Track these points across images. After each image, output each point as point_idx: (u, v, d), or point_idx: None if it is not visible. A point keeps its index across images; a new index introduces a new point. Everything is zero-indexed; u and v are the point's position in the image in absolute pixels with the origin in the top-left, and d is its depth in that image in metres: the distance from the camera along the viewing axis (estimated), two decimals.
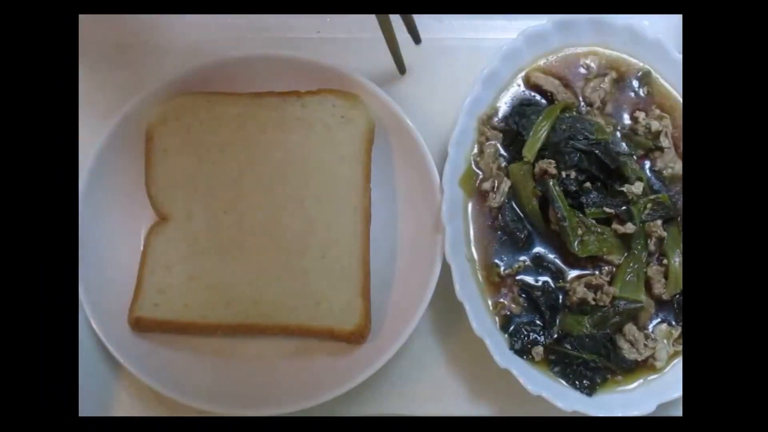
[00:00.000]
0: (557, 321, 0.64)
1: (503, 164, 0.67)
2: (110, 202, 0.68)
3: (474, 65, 0.69)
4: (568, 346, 0.63)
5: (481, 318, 0.63)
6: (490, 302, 0.64)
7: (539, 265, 0.65)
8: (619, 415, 0.60)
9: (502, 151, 0.68)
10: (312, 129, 0.69)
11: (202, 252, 0.66)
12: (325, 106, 0.69)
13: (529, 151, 0.66)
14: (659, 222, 0.65)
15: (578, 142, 0.65)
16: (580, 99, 0.70)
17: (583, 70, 0.71)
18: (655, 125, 0.69)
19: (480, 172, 0.68)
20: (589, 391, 0.62)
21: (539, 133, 0.66)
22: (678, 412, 0.62)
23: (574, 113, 0.69)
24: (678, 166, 0.68)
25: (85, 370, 0.63)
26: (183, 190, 0.68)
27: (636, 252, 0.65)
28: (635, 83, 0.71)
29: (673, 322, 0.65)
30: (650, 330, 0.64)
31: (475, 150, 0.68)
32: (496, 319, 0.64)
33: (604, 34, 0.71)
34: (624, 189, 0.65)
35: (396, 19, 0.69)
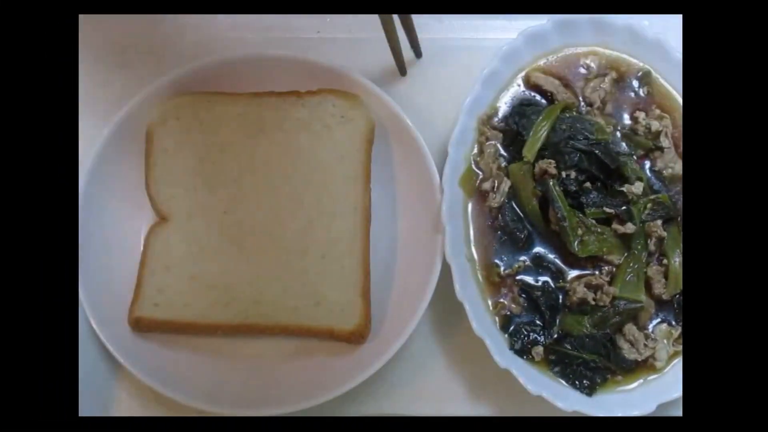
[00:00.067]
0: (557, 321, 0.64)
1: (503, 164, 0.67)
2: (110, 202, 0.68)
3: (474, 65, 0.69)
4: (568, 346, 0.63)
5: (481, 318, 0.63)
6: (490, 302, 0.64)
7: (539, 265, 0.65)
8: (619, 415, 0.60)
9: (502, 151, 0.68)
10: (312, 129, 0.69)
11: (202, 252, 0.66)
12: (325, 106, 0.70)
13: (529, 151, 0.66)
14: (659, 222, 0.65)
15: (578, 142, 0.65)
16: (580, 99, 0.70)
17: (583, 70, 0.71)
18: (655, 125, 0.69)
19: (480, 172, 0.68)
20: (589, 391, 0.62)
21: (539, 133, 0.66)
22: (678, 412, 0.62)
23: (574, 113, 0.69)
24: (678, 166, 0.68)
25: (85, 370, 0.63)
26: (183, 190, 0.68)
27: (636, 252, 0.65)
28: (635, 83, 0.71)
29: (673, 322, 0.65)
30: (650, 330, 0.64)
31: (475, 150, 0.68)
32: (496, 319, 0.64)
33: (604, 34, 0.71)
34: (624, 189, 0.65)
35: (397, 21, 0.69)
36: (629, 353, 0.63)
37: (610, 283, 0.64)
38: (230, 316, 0.64)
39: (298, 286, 0.65)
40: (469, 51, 0.75)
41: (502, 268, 0.65)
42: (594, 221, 0.64)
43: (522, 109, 0.69)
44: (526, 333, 0.63)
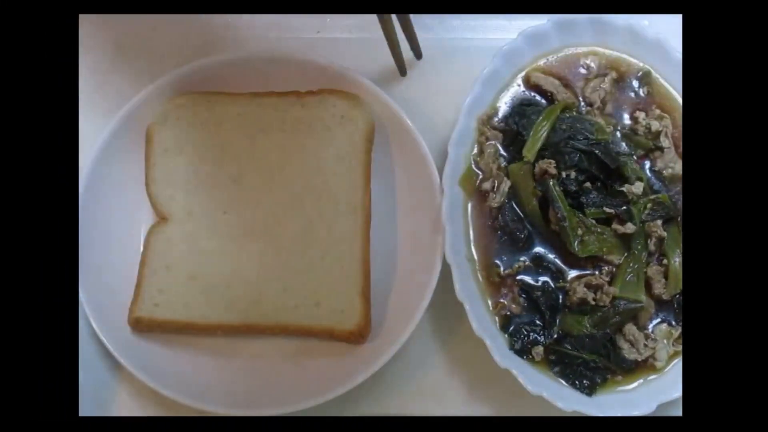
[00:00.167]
0: (557, 321, 0.64)
1: (503, 164, 0.67)
2: (110, 202, 0.68)
3: (474, 65, 0.69)
4: (568, 346, 0.63)
5: (481, 318, 0.63)
6: (490, 302, 0.64)
7: (539, 265, 0.65)
8: (619, 415, 0.60)
9: (502, 151, 0.68)
10: (312, 129, 0.69)
11: (202, 252, 0.66)
12: (325, 106, 0.70)
13: (529, 151, 0.66)
14: (659, 222, 0.65)
15: (578, 142, 0.65)
16: (580, 99, 0.70)
17: (583, 70, 0.71)
18: (655, 125, 0.69)
19: (480, 172, 0.68)
20: (589, 391, 0.62)
21: (539, 133, 0.66)
22: (678, 412, 0.62)
23: (574, 113, 0.69)
24: (678, 166, 0.68)
25: (85, 370, 0.63)
26: (183, 190, 0.68)
27: (636, 252, 0.65)
28: (635, 83, 0.71)
29: (673, 322, 0.65)
30: (650, 330, 0.64)
31: (475, 150, 0.68)
32: (496, 319, 0.64)
33: (604, 34, 0.71)
34: (624, 189, 0.65)
35: (396, 21, 0.69)
36: (629, 353, 0.63)
37: (610, 283, 0.64)
38: (230, 316, 0.64)
39: (298, 286, 0.65)
40: (469, 51, 0.75)
41: (502, 268, 0.65)
42: (594, 221, 0.64)
43: (522, 109, 0.69)
44: (526, 333, 0.63)
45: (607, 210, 0.64)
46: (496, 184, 0.67)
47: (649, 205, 0.65)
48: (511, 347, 0.63)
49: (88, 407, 0.64)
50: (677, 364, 0.64)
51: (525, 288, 0.64)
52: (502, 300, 0.64)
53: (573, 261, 0.65)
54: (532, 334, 0.63)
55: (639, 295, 0.64)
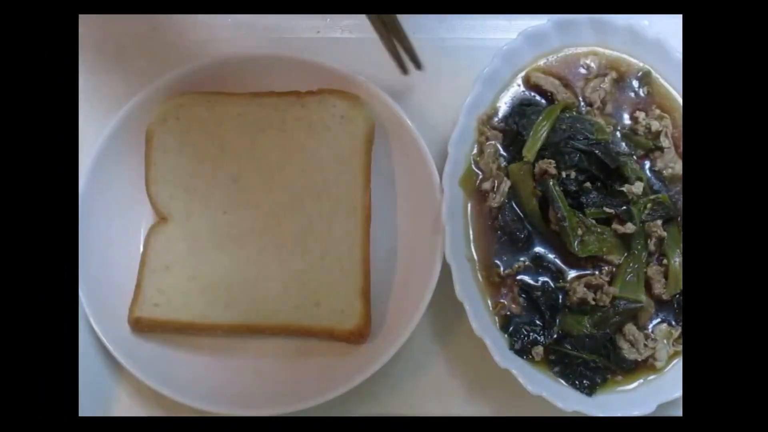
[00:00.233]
0: (557, 321, 0.64)
1: (503, 164, 0.67)
2: (110, 202, 0.68)
3: (474, 65, 0.69)
4: (568, 346, 0.63)
5: (481, 318, 0.63)
6: (490, 302, 0.64)
7: (539, 265, 0.65)
8: (619, 415, 0.60)
9: (502, 151, 0.68)
10: (312, 129, 0.69)
11: (202, 252, 0.66)
12: (325, 106, 0.70)
13: (529, 151, 0.66)
14: (659, 222, 0.65)
15: (578, 142, 0.65)
16: (580, 99, 0.70)
17: (583, 70, 0.71)
18: (655, 125, 0.69)
19: (480, 172, 0.68)
20: (589, 391, 0.62)
21: (539, 133, 0.66)
22: (678, 412, 0.62)
23: (574, 113, 0.69)
24: (678, 166, 0.68)
25: (85, 370, 0.62)
26: (183, 190, 0.68)
27: (636, 252, 0.65)
28: (635, 83, 0.71)
29: (673, 322, 0.65)
30: (650, 330, 0.64)
31: (475, 150, 0.68)
32: (496, 319, 0.64)
33: (604, 34, 0.71)
34: (624, 189, 0.65)
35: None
36: (629, 353, 0.63)
37: (610, 283, 0.64)
38: (230, 316, 0.64)
39: (298, 286, 0.65)
40: (469, 51, 0.75)
41: (502, 268, 0.65)
42: (594, 221, 0.64)
43: (522, 109, 0.69)
44: (526, 333, 0.63)
45: (607, 210, 0.64)
46: (496, 184, 0.67)
47: (649, 205, 0.65)
48: (511, 347, 0.63)
49: (88, 407, 0.64)
50: (677, 364, 0.64)
51: (525, 288, 0.64)
52: (502, 300, 0.64)
53: (573, 261, 0.65)
54: (532, 334, 0.63)
55: (639, 295, 0.64)
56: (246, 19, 0.77)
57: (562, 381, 0.63)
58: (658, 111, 0.70)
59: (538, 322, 0.64)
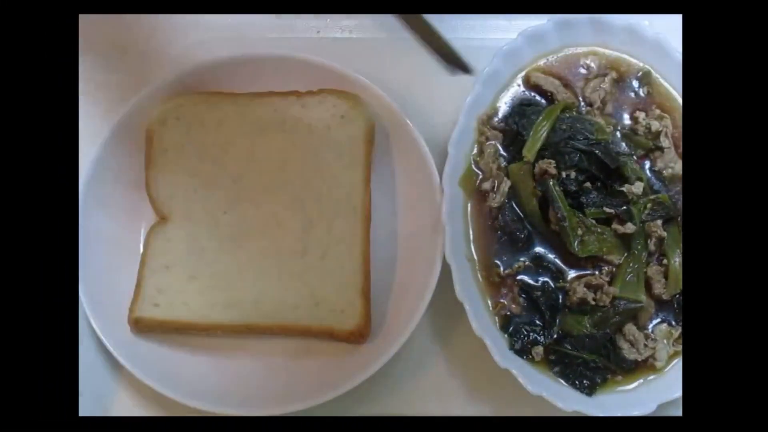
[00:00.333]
0: (557, 321, 0.64)
1: (503, 164, 0.67)
2: (110, 202, 0.68)
3: (474, 65, 0.69)
4: (568, 346, 0.63)
5: (481, 318, 0.63)
6: (490, 302, 0.64)
7: (539, 265, 0.65)
8: (619, 415, 0.60)
9: (502, 151, 0.68)
10: (312, 129, 0.69)
11: (202, 252, 0.66)
12: (325, 106, 0.70)
13: (529, 151, 0.66)
14: (659, 222, 0.65)
15: (578, 142, 0.65)
16: (580, 99, 0.70)
17: (583, 70, 0.71)
18: (655, 125, 0.69)
19: (480, 172, 0.68)
20: (589, 391, 0.62)
21: (539, 133, 0.66)
22: (678, 412, 0.62)
23: (574, 113, 0.69)
24: (678, 166, 0.68)
25: (85, 370, 0.63)
26: (183, 190, 0.68)
27: (636, 252, 0.65)
28: (635, 83, 0.71)
29: (673, 322, 0.65)
30: (650, 330, 0.64)
31: (475, 150, 0.68)
32: (496, 319, 0.64)
33: (604, 34, 0.71)
34: (624, 189, 0.65)
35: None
36: (629, 353, 0.63)
37: (610, 283, 0.64)
38: (230, 316, 0.64)
39: (298, 286, 0.65)
40: (469, 51, 0.75)
41: (502, 268, 0.65)
42: (594, 221, 0.64)
43: (522, 109, 0.69)
44: (526, 333, 0.63)
45: (607, 210, 0.64)
46: (496, 184, 0.66)
47: (649, 205, 0.65)
48: (511, 347, 0.63)
49: (88, 407, 0.64)
50: (677, 364, 0.64)
51: (525, 288, 0.64)
52: (502, 300, 0.64)
53: (573, 261, 0.65)
54: (532, 334, 0.63)
55: (639, 295, 0.64)
56: (246, 19, 0.77)
57: (562, 381, 0.63)
58: (658, 111, 0.70)
59: (538, 322, 0.64)
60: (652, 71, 0.71)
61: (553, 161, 0.65)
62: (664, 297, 0.64)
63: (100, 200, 0.68)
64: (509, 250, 0.66)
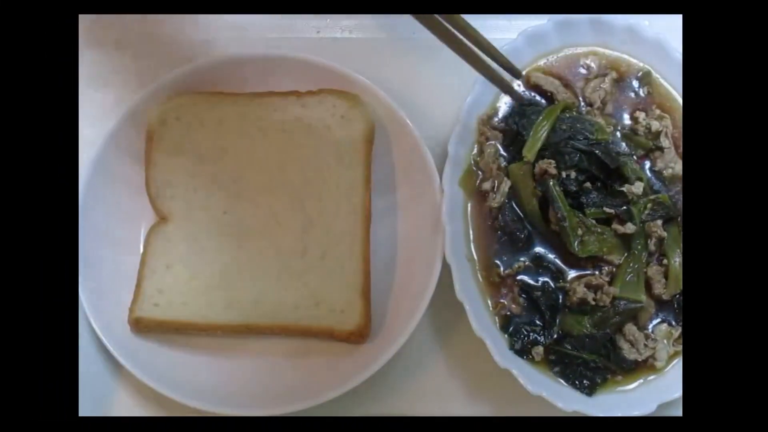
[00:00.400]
0: (557, 321, 0.64)
1: (503, 164, 0.67)
2: (110, 202, 0.68)
3: None
4: (568, 346, 0.63)
5: (481, 318, 0.63)
6: (490, 302, 0.64)
7: (539, 265, 0.65)
8: (619, 415, 0.60)
9: (502, 151, 0.68)
10: (312, 129, 0.69)
11: (202, 252, 0.66)
12: (325, 106, 0.70)
13: (529, 151, 0.66)
14: (659, 222, 0.65)
15: (578, 142, 0.65)
16: (580, 99, 0.70)
17: (583, 70, 0.71)
18: (655, 125, 0.69)
19: (480, 172, 0.68)
20: (589, 391, 0.62)
21: (539, 133, 0.66)
22: (678, 412, 0.62)
23: (574, 113, 0.69)
24: (678, 166, 0.68)
25: (85, 370, 0.63)
26: (183, 190, 0.68)
27: (636, 252, 0.64)
28: (635, 83, 0.71)
29: (673, 322, 0.65)
30: (650, 330, 0.64)
31: (475, 150, 0.68)
32: (496, 319, 0.64)
33: (604, 34, 0.71)
34: (624, 189, 0.65)
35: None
36: (629, 353, 0.63)
37: (610, 283, 0.64)
38: (230, 316, 0.64)
39: (298, 286, 0.65)
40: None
41: (502, 268, 0.65)
42: (594, 221, 0.64)
43: (522, 109, 0.69)
44: (526, 333, 0.63)
45: (607, 210, 0.64)
46: (496, 184, 0.66)
47: (649, 205, 0.65)
48: (511, 347, 0.63)
49: (88, 407, 0.64)
50: (677, 364, 0.64)
51: (525, 288, 0.64)
52: (502, 300, 0.64)
53: (573, 261, 0.65)
54: (532, 334, 0.63)
55: (639, 295, 0.64)
56: (246, 19, 0.77)
57: (562, 381, 0.63)
58: (658, 111, 0.70)
59: (538, 322, 0.64)
60: (652, 71, 0.71)
61: (553, 161, 0.65)
62: (664, 297, 0.64)
63: (100, 200, 0.68)
64: (509, 250, 0.65)
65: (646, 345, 0.63)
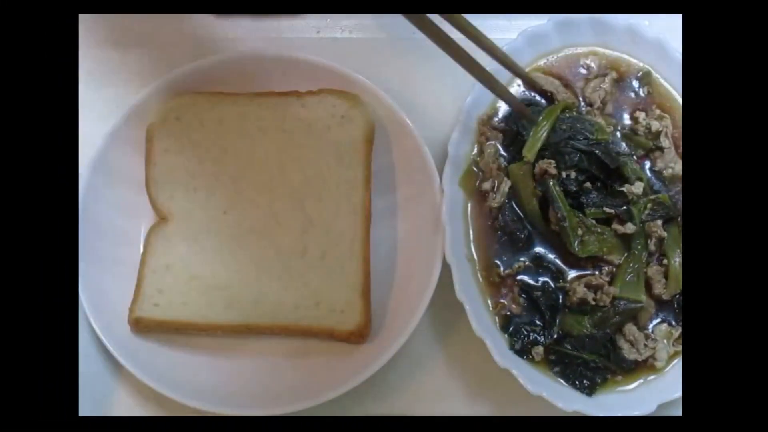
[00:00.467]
0: (557, 321, 0.64)
1: (503, 164, 0.67)
2: (110, 202, 0.68)
3: None
4: (568, 346, 0.63)
5: (481, 318, 0.63)
6: (490, 302, 0.64)
7: (539, 265, 0.65)
8: (619, 415, 0.60)
9: (502, 152, 0.68)
10: (312, 129, 0.69)
11: (202, 252, 0.66)
12: (325, 106, 0.70)
13: (530, 151, 0.66)
14: (659, 222, 0.65)
15: (578, 142, 0.65)
16: (580, 99, 0.70)
17: (583, 70, 0.71)
18: (655, 125, 0.69)
19: (480, 172, 0.68)
20: (589, 391, 0.62)
21: (539, 133, 0.66)
22: (678, 412, 0.62)
23: (574, 113, 0.69)
24: (678, 166, 0.68)
25: (85, 370, 0.63)
26: (183, 190, 0.68)
27: (636, 252, 0.64)
28: (635, 83, 0.71)
29: (673, 322, 0.65)
30: (650, 330, 0.64)
31: (475, 150, 0.68)
32: (496, 319, 0.64)
33: (604, 34, 0.71)
34: (624, 189, 0.65)
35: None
36: (629, 353, 0.63)
37: (610, 283, 0.64)
38: (230, 316, 0.64)
39: (298, 286, 0.65)
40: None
41: (502, 268, 0.65)
42: (594, 221, 0.64)
43: None
44: (526, 333, 0.63)
45: (607, 210, 0.64)
46: (496, 184, 0.66)
47: (649, 205, 0.65)
48: (511, 347, 0.63)
49: (88, 407, 0.64)
50: (677, 364, 0.64)
51: (525, 288, 0.64)
52: (502, 300, 0.64)
53: (573, 261, 0.65)
54: (532, 334, 0.63)
55: (639, 295, 0.64)
56: (246, 19, 0.77)
57: (562, 381, 0.63)
58: (658, 111, 0.70)
59: (538, 322, 0.64)
60: (652, 71, 0.71)
61: (553, 161, 0.65)
62: (664, 297, 0.64)
63: (100, 200, 0.68)
64: (509, 250, 0.66)
65: (646, 345, 0.63)
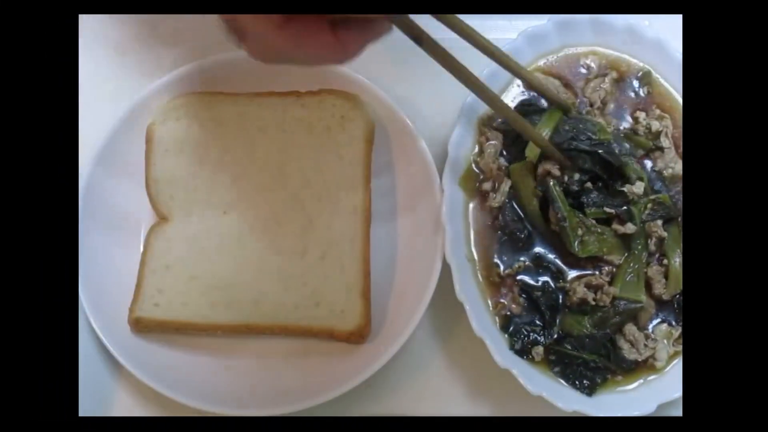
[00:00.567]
0: (557, 321, 0.64)
1: (504, 164, 0.67)
2: (110, 202, 0.68)
3: (474, 65, 0.69)
4: (568, 346, 0.63)
5: (481, 318, 0.63)
6: (490, 302, 0.64)
7: (539, 265, 0.65)
8: (619, 415, 0.60)
9: (503, 151, 0.68)
10: (312, 129, 0.69)
11: (202, 252, 0.66)
12: (325, 106, 0.69)
13: (532, 152, 0.66)
14: (659, 222, 0.65)
15: (581, 143, 0.65)
16: (580, 99, 0.70)
17: (583, 70, 0.71)
18: (655, 125, 0.69)
19: (480, 173, 0.68)
20: (589, 391, 0.62)
21: (542, 134, 0.66)
22: (678, 412, 0.62)
23: (575, 113, 0.69)
24: (678, 166, 0.68)
25: (85, 370, 0.63)
26: (183, 190, 0.68)
27: (636, 252, 0.65)
28: (635, 83, 0.71)
29: (673, 322, 0.65)
30: (650, 330, 0.64)
31: (475, 150, 0.68)
32: (496, 319, 0.64)
33: (604, 34, 0.71)
34: (624, 189, 0.65)
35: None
36: (629, 353, 0.63)
37: (610, 283, 0.64)
38: (230, 316, 0.64)
39: (298, 286, 0.65)
40: (470, 51, 0.75)
41: (502, 268, 0.65)
42: (594, 221, 0.64)
43: (522, 110, 0.69)
44: (526, 333, 0.63)
45: (608, 210, 0.64)
46: (496, 185, 0.66)
47: (649, 206, 0.65)
48: (511, 347, 0.63)
49: (88, 407, 0.64)
50: (677, 364, 0.64)
51: (525, 288, 0.64)
52: (502, 300, 0.64)
53: (573, 261, 0.65)
54: (532, 334, 0.63)
55: (639, 295, 0.64)
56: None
57: (562, 381, 0.63)
58: (658, 111, 0.70)
59: (538, 322, 0.64)
60: (652, 71, 0.71)
61: (556, 163, 0.65)
62: (664, 297, 0.64)
63: (100, 200, 0.68)
64: (509, 250, 0.66)
65: (646, 345, 0.63)
